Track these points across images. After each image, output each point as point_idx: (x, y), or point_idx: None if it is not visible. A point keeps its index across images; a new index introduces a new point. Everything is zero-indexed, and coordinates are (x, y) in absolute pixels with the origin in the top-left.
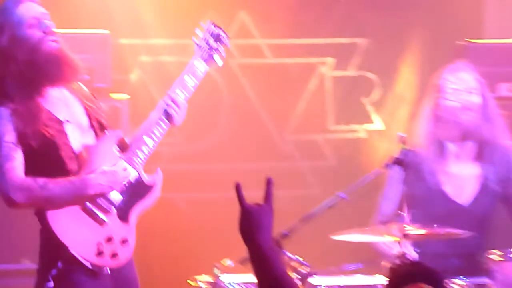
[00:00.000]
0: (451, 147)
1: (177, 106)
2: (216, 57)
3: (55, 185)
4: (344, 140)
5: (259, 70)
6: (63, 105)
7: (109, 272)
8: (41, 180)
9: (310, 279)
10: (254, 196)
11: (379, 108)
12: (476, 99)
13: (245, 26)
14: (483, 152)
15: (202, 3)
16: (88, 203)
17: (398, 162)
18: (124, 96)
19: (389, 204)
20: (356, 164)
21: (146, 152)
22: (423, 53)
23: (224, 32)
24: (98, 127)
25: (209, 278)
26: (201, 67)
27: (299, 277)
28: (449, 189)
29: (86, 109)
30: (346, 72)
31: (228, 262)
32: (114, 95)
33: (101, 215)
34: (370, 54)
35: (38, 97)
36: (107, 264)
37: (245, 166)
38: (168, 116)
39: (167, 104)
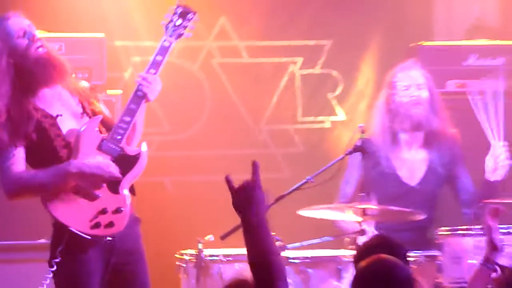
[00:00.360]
0: (402, 136)
1: (148, 82)
2: (183, 32)
3: (43, 174)
4: (311, 130)
5: (237, 69)
6: (56, 100)
7: (110, 240)
8: (32, 171)
9: (283, 252)
10: (233, 178)
11: (342, 102)
12: (424, 94)
13: (225, 30)
14: (430, 140)
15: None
16: (83, 185)
17: (358, 149)
18: (118, 91)
19: (349, 187)
20: (322, 151)
21: (125, 126)
22: (381, 53)
23: (189, 9)
24: (92, 114)
25: (193, 252)
26: (167, 44)
27: None
28: (402, 173)
29: (79, 100)
30: (313, 70)
31: (210, 238)
32: (109, 91)
33: (93, 191)
34: (334, 54)
35: (32, 98)
36: (105, 233)
37: (225, 153)
38: (141, 91)
39: (139, 82)
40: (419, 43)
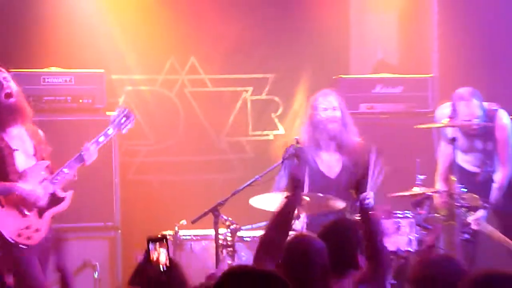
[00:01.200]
0: (322, 143)
1: (89, 152)
2: (123, 128)
3: None
4: (259, 141)
5: (204, 96)
6: (17, 138)
7: (25, 247)
8: None
9: (238, 233)
10: (200, 178)
11: (282, 120)
12: (338, 113)
13: (194, 66)
14: (341, 146)
15: (166, 50)
16: (20, 204)
17: (293, 155)
18: (115, 113)
19: (282, 181)
20: (267, 156)
21: (63, 175)
22: (310, 83)
23: (132, 113)
24: (40, 156)
25: (171, 232)
26: (111, 132)
27: (230, 231)
28: (323, 169)
29: (33, 143)
30: (260, 96)
31: (183, 222)
32: (108, 112)
33: (25, 211)
34: (276, 84)
35: (1, 133)
36: (23, 242)
37: (195, 158)
38: (81, 157)
39: (82, 150)
40: (339, 75)
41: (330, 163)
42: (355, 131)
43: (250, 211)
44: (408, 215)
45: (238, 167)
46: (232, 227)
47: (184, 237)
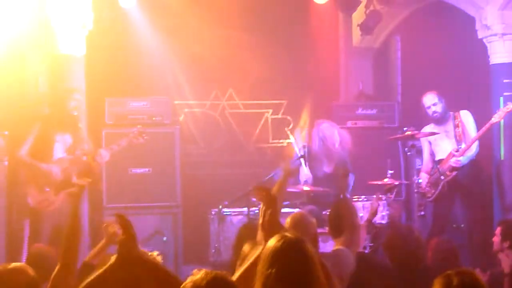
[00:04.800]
0: (321, 151)
1: (101, 157)
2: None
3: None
4: (277, 147)
5: (238, 115)
6: (63, 138)
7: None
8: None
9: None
10: (235, 172)
11: (292, 132)
12: (336, 137)
13: (231, 95)
14: (335, 155)
15: (212, 83)
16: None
17: (302, 156)
18: (177, 126)
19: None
20: (282, 157)
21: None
22: (312, 107)
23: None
24: (73, 152)
25: (216, 210)
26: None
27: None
28: (324, 167)
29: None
30: (278, 116)
31: (225, 203)
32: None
33: (44, 187)
34: (288, 107)
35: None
36: (43, 208)
37: (232, 158)
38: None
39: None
40: (332, 102)
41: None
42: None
43: None
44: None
45: (262, 165)
46: (259, 206)
47: (226, 213)
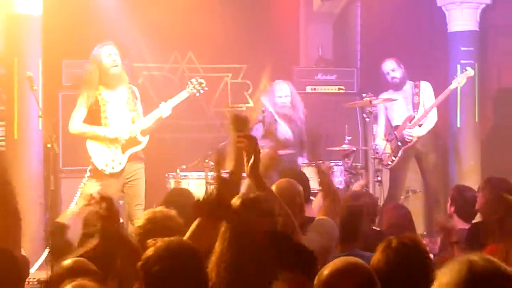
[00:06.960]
0: (279, 116)
1: (165, 109)
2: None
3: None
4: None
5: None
6: (116, 95)
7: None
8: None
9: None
10: (194, 136)
11: (252, 97)
12: (288, 100)
13: (191, 58)
14: (291, 118)
15: (172, 46)
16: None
17: (260, 121)
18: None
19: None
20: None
21: (144, 124)
22: (272, 71)
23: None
24: (132, 108)
25: (174, 173)
26: (184, 96)
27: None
28: (281, 133)
29: (126, 101)
30: (237, 80)
31: (183, 166)
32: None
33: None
34: (248, 71)
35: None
36: (110, 171)
37: (192, 122)
38: (158, 111)
39: (159, 107)
40: (292, 67)
41: (285, 128)
42: (301, 106)
43: None
44: (339, 164)
45: (221, 129)
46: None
47: (183, 177)
